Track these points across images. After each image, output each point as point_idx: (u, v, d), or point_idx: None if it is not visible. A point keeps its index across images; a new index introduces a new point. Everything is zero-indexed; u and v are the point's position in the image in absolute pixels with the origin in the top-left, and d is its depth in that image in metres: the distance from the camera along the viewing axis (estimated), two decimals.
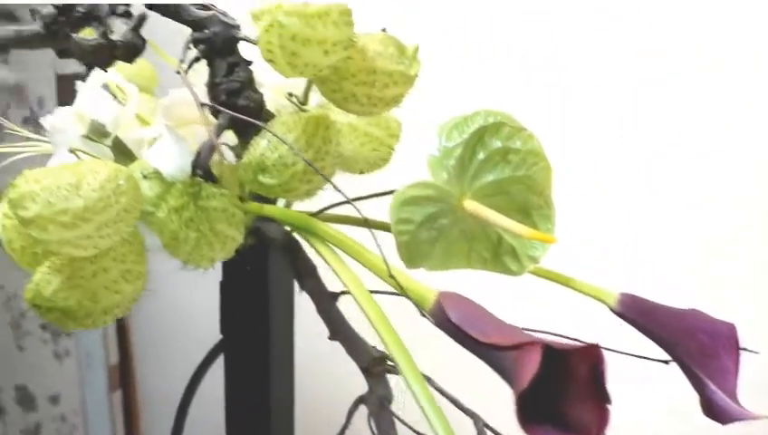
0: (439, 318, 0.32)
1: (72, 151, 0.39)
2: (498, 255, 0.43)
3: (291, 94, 0.44)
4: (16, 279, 1.22)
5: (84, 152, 0.39)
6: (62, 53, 0.33)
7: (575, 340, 0.45)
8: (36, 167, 0.37)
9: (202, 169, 0.40)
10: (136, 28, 0.36)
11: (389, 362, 0.49)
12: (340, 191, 0.36)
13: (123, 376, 1.17)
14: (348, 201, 0.37)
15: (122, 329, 1.16)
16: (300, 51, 0.36)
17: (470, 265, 0.44)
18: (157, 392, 1.20)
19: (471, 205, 0.40)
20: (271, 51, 0.37)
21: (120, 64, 0.57)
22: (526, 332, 0.30)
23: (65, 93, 1.08)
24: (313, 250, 0.39)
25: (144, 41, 0.37)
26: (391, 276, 0.34)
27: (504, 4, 0.87)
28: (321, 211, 0.47)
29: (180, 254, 0.41)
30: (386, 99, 0.41)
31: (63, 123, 0.44)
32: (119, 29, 0.40)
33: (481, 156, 0.40)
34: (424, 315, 0.34)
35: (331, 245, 0.38)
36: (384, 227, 0.43)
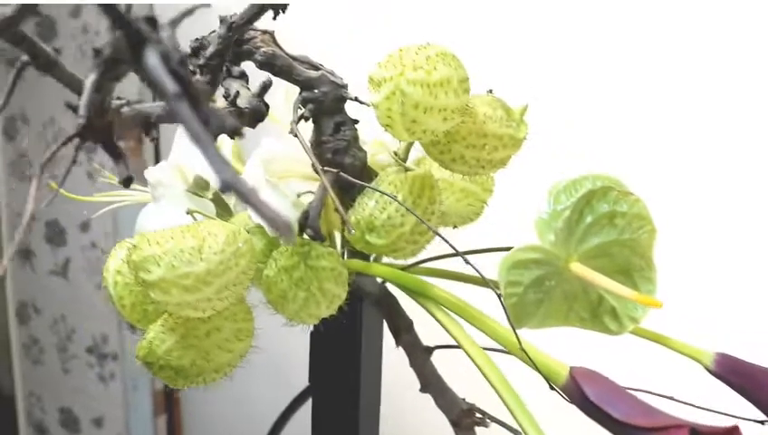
0: (574, 395, 0.32)
1: (188, 213, 0.40)
2: (597, 315, 0.43)
3: (395, 153, 0.44)
4: (62, 303, 1.24)
5: (198, 212, 0.40)
6: None
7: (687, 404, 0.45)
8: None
9: (313, 229, 0.41)
10: (261, 94, 0.37)
11: (478, 415, 0.49)
12: (456, 250, 0.37)
13: (168, 401, 1.18)
14: (464, 259, 0.37)
15: None
16: (420, 118, 0.37)
17: (567, 324, 0.44)
18: (201, 418, 1.21)
19: (578, 268, 0.40)
20: (390, 117, 0.37)
21: None
22: (665, 412, 0.30)
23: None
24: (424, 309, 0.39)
25: (268, 106, 0.37)
26: (522, 349, 0.34)
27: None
28: (412, 265, 0.47)
29: (286, 311, 0.41)
30: (494, 161, 0.41)
31: (169, 178, 0.45)
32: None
33: (588, 219, 0.41)
34: (554, 389, 0.34)
35: (446, 309, 0.38)
36: (475, 280, 0.44)
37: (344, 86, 0.43)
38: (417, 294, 0.40)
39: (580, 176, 0.41)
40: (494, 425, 0.49)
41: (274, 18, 0.31)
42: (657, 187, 0.81)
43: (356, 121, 0.43)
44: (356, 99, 0.42)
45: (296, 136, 0.39)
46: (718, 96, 0.78)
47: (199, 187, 0.45)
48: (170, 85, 0.17)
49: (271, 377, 1.04)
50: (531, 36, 0.87)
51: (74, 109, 0.27)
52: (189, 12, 0.19)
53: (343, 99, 0.43)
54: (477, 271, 0.37)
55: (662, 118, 0.81)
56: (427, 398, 0.50)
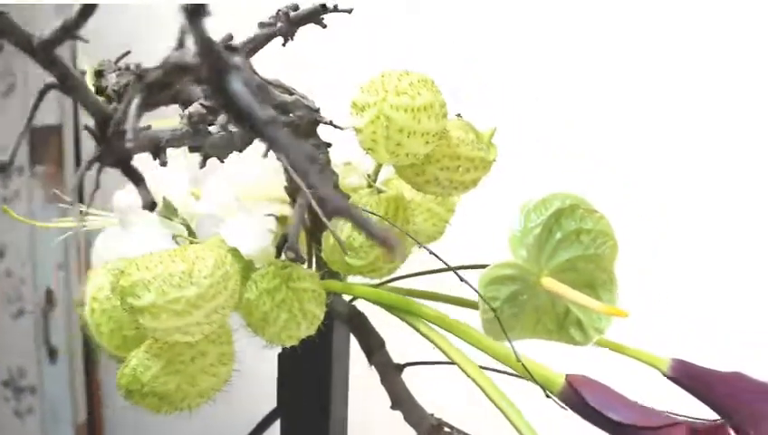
0: (572, 401, 0.34)
1: (174, 238, 0.39)
2: (564, 327, 0.45)
3: (369, 176, 0.45)
4: None
5: (182, 236, 0.40)
6: (195, 149, 0.34)
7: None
8: None
9: (293, 251, 0.41)
10: None
11: (446, 429, 0.50)
12: (449, 266, 0.38)
13: (91, 433, 1.14)
14: (458, 275, 0.38)
15: (91, 384, 1.13)
16: (404, 142, 0.38)
17: (534, 336, 0.46)
18: None
19: (549, 282, 0.42)
20: (374, 141, 0.38)
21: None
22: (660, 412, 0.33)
23: (38, 146, 1.06)
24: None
25: None
26: (518, 361, 0.36)
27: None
28: (381, 284, 0.48)
29: (266, 333, 0.42)
30: (465, 182, 0.43)
31: (136, 203, 0.44)
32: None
33: (558, 236, 0.43)
34: (549, 397, 0.36)
35: (430, 324, 0.39)
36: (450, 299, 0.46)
37: (317, 110, 0.44)
38: (403, 312, 0.41)
39: (549, 194, 0.43)
40: None
41: (284, 44, 0.31)
42: (656, 187, 0.82)
43: (329, 145, 0.44)
44: (330, 122, 0.43)
45: (279, 159, 0.40)
46: (717, 97, 0.79)
47: (169, 210, 0.45)
48: (263, 112, 0.18)
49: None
50: (531, 37, 0.87)
51: (93, 133, 0.27)
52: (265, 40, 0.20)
53: (317, 122, 0.43)
54: (472, 287, 0.39)
55: (662, 118, 0.82)
56: (392, 417, 0.51)
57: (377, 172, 0.47)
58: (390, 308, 0.42)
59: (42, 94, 0.25)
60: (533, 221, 0.42)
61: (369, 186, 0.46)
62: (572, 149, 0.83)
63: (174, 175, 0.47)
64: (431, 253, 0.39)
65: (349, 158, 0.48)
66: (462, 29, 0.90)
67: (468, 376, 0.37)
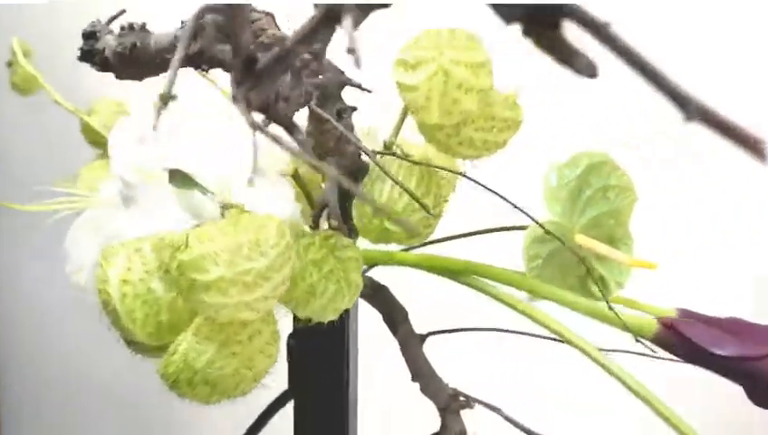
0: (669, 342, 0.34)
1: (224, 207, 0.36)
2: (585, 284, 0.46)
3: (387, 142, 0.44)
4: None
5: (233, 205, 0.36)
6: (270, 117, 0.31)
7: None
8: None
9: (337, 218, 0.39)
10: None
11: (462, 398, 0.50)
12: (536, 221, 0.37)
13: None
14: (545, 229, 0.38)
15: None
16: (461, 98, 0.37)
17: None
18: None
19: (582, 239, 0.43)
20: (429, 98, 0.37)
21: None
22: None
23: None
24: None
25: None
26: (610, 309, 0.36)
27: None
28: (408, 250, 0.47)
29: (310, 307, 0.39)
30: (498, 143, 0.42)
31: (134, 178, 0.41)
32: None
33: (587, 193, 0.43)
34: (639, 341, 0.36)
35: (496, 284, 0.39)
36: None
37: (343, 72, 0.42)
38: (461, 274, 0.40)
39: (577, 153, 0.44)
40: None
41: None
42: (656, 187, 0.80)
43: (354, 109, 0.42)
44: (359, 85, 0.41)
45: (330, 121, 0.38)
46: (717, 97, 0.81)
47: (186, 182, 0.41)
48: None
49: None
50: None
51: (237, 71, 0.24)
52: None
53: (343, 85, 0.41)
54: (557, 238, 0.38)
55: (662, 118, 0.81)
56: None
57: (396, 133, 0.45)
58: (446, 273, 0.40)
59: (197, 18, 0.22)
60: (567, 177, 0.43)
61: (389, 149, 0.44)
62: (572, 148, 0.82)
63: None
64: (520, 210, 0.38)
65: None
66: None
67: (575, 345, 0.36)
